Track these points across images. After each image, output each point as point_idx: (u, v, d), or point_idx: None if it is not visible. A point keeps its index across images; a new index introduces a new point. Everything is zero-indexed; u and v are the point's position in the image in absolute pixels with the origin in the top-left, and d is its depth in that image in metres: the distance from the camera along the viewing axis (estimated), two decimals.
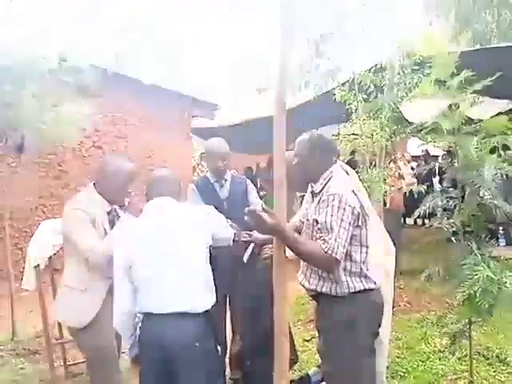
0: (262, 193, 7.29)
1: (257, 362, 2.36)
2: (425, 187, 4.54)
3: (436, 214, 2.69)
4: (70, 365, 3.29)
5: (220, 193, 2.88)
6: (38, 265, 3.02)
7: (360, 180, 2.65)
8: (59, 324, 3.18)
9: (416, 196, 4.52)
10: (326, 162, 2.05)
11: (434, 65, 2.69)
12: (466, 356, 3.05)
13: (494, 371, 3.09)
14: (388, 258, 2.49)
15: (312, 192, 2.10)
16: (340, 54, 4.29)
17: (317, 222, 1.89)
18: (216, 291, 2.01)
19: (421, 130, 2.74)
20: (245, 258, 2.50)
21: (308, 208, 2.13)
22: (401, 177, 5.70)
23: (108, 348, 2.28)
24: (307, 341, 3.68)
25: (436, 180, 8.99)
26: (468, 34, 7.51)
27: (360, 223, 1.91)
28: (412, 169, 7.70)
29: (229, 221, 2.33)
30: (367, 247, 1.97)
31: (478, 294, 2.32)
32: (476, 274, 2.34)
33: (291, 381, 2.52)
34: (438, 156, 9.77)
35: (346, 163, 2.30)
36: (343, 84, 4.25)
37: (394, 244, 2.60)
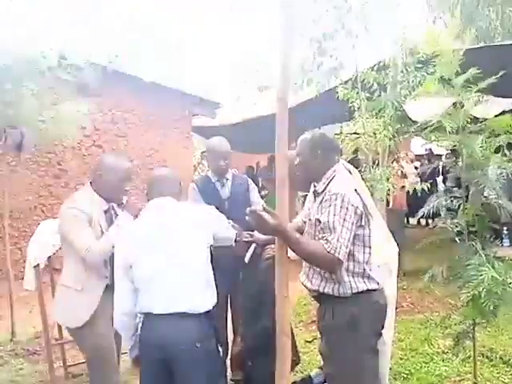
0: (263, 192, 7.24)
1: (258, 363, 2.33)
2: (428, 185, 4.51)
3: (440, 214, 2.67)
4: (70, 365, 3.27)
5: (221, 192, 2.86)
6: (38, 265, 3.02)
7: (363, 179, 2.62)
8: (59, 324, 3.16)
9: (419, 195, 4.49)
10: (328, 161, 2.02)
11: (438, 63, 2.66)
12: (469, 357, 3.01)
13: (498, 373, 3.07)
14: (391, 258, 2.46)
15: (314, 191, 2.08)
16: (343, 51, 4.26)
17: (319, 222, 1.86)
18: (217, 291, 2.00)
19: (425, 129, 2.70)
20: (246, 259, 2.48)
21: (310, 208, 2.11)
22: (404, 176, 5.68)
23: (106, 348, 2.27)
24: (309, 342, 3.66)
25: (440, 179, 8.95)
26: (472, 32, 7.48)
27: (363, 223, 1.89)
28: (415, 168, 7.68)
29: (230, 221, 2.30)
30: (370, 247, 1.94)
31: (482, 295, 2.29)
32: (481, 275, 2.31)
33: (293, 382, 2.50)
34: (441, 155, 9.72)
35: (349, 162, 2.27)
36: (346, 82, 4.22)
37: (397, 244, 2.57)
